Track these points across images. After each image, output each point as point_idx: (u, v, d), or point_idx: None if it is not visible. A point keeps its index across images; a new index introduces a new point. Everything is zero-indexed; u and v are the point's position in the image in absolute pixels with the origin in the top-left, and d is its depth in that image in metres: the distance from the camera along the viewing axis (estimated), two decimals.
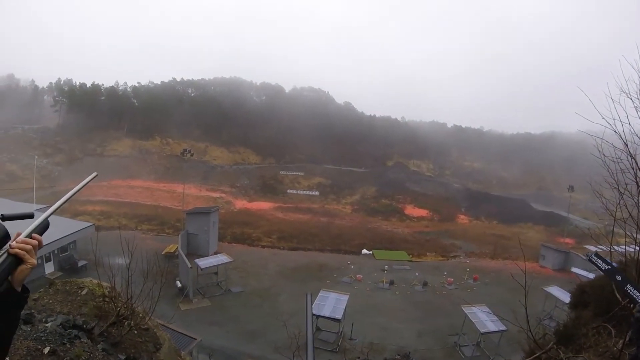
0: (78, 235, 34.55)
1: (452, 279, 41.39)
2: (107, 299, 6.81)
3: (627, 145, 4.77)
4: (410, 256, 52.38)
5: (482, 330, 25.37)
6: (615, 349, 4.92)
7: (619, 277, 1.92)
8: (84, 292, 7.12)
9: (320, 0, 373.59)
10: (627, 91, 4.68)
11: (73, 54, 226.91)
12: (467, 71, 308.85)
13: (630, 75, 4.60)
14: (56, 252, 33.43)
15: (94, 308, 6.51)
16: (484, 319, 25.80)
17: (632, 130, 4.77)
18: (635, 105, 4.62)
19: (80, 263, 33.99)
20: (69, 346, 4.47)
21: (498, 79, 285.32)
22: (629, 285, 1.82)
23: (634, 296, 1.73)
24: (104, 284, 7.18)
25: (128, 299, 6.96)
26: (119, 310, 6.69)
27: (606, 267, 2.07)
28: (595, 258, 2.13)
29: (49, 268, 32.79)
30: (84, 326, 5.59)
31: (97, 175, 2.17)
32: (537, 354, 6.16)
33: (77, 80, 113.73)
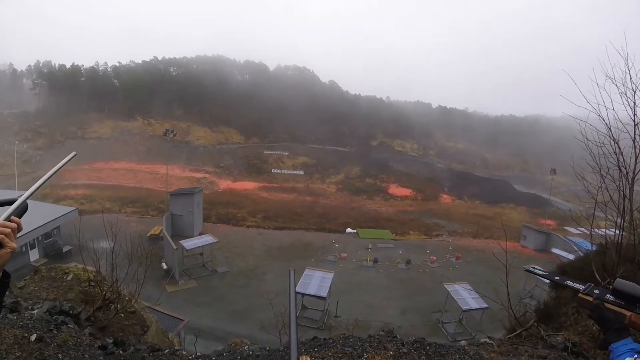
0: (61, 220, 33.98)
1: (435, 258, 42.09)
2: (92, 284, 6.74)
3: (610, 129, 4.85)
4: (394, 235, 53.12)
5: (464, 307, 25.94)
6: (594, 328, 5.11)
7: (557, 278, 2.01)
8: (69, 278, 7.05)
9: None
10: (612, 77, 4.73)
11: (52, 36, 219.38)
12: (454, 54, 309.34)
13: (617, 61, 4.65)
14: (40, 238, 32.75)
15: (80, 293, 6.46)
16: (466, 296, 26.41)
17: (615, 115, 4.84)
18: (620, 91, 4.68)
19: (65, 248, 33.45)
20: (55, 332, 4.43)
21: (484, 62, 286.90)
22: (567, 281, 1.90)
23: (575, 287, 1.81)
24: (89, 268, 7.10)
25: (113, 283, 6.91)
26: (105, 294, 6.64)
27: (544, 273, 2.16)
28: (532, 268, 2.24)
29: (34, 255, 32.22)
30: (71, 312, 5.55)
31: (76, 154, 2.11)
32: (518, 331, 6.33)
33: (57, 62, 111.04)
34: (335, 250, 42.70)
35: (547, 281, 2.30)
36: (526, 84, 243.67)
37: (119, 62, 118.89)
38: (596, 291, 1.74)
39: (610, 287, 1.74)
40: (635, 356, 1.50)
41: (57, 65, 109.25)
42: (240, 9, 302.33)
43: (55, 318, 4.89)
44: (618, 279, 1.68)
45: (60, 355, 4.02)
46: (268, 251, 40.78)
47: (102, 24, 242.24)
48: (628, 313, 1.60)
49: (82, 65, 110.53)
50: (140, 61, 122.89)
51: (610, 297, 1.67)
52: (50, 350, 4.04)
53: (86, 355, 4.15)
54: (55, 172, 1.73)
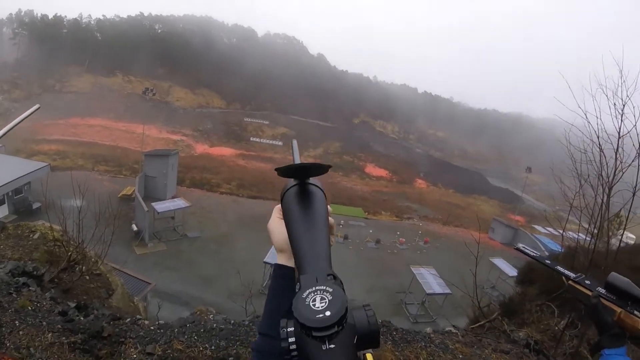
0: (33, 176, 32.51)
1: (404, 240, 42.86)
2: (58, 244, 6.52)
3: (598, 138, 4.89)
4: (366, 214, 53.73)
5: (428, 291, 26.60)
6: (557, 328, 5.27)
7: (547, 261, 1.97)
8: (35, 236, 6.82)
9: None
10: (604, 87, 4.74)
11: None
12: (446, 41, 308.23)
13: (611, 73, 4.65)
14: (10, 194, 31.57)
15: (45, 253, 6.24)
16: (430, 280, 27.10)
17: (602, 125, 4.87)
18: (611, 102, 4.70)
19: (35, 205, 32.18)
20: (15, 296, 4.25)
21: (475, 53, 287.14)
22: (558, 266, 1.87)
23: (566, 274, 1.78)
24: (56, 227, 6.86)
25: (79, 244, 6.70)
26: (70, 255, 6.44)
27: (534, 254, 2.13)
28: (523, 247, 2.19)
29: (3, 211, 31.06)
30: (34, 272, 5.35)
31: (39, 107, 1.97)
32: (482, 322, 6.50)
33: (39, 11, 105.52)
34: None
35: (536, 261, 2.27)
36: (513, 81, 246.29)
37: (103, 16, 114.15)
38: (587, 282, 1.71)
39: (582, 279, 1.71)
40: None
41: (39, 15, 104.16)
42: None
43: (16, 280, 4.70)
44: (613, 273, 1.64)
45: (17, 322, 3.84)
46: (241, 219, 40.57)
47: None
48: (618, 310, 1.57)
49: (65, 17, 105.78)
50: (125, 16, 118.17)
51: (601, 290, 1.64)
52: (7, 317, 3.85)
53: (44, 322, 3.99)
54: (16, 124, 1.60)
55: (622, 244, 9.72)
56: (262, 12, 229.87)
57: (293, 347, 0.79)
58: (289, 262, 1.11)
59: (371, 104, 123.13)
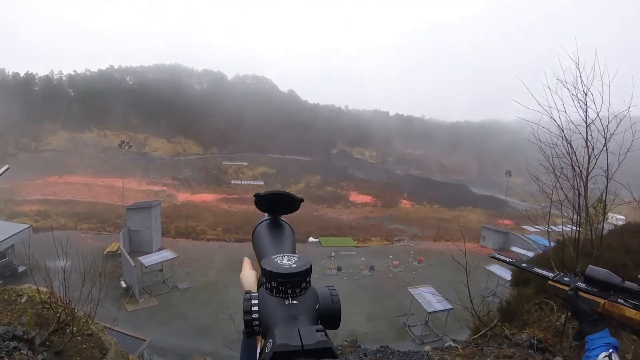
0: (15, 238, 32.02)
1: (398, 262, 42.70)
2: (46, 306, 6.33)
3: (563, 131, 5.03)
4: (356, 242, 53.49)
5: (429, 309, 26.39)
6: (558, 323, 5.26)
7: (524, 265, 2.01)
8: (23, 300, 6.60)
9: None
10: (563, 80, 4.93)
11: (5, 44, 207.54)
12: (410, 64, 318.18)
13: (568, 65, 4.85)
14: None
15: (34, 316, 6.04)
16: (430, 299, 26.90)
17: (567, 117, 5.04)
18: (572, 94, 4.88)
19: (21, 269, 31.16)
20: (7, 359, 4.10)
21: (440, 72, 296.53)
22: (535, 268, 1.90)
23: (544, 274, 1.81)
24: (42, 289, 6.67)
25: (67, 304, 6.51)
26: (59, 316, 6.24)
27: (510, 260, 2.17)
28: (498, 255, 2.24)
29: None
30: (24, 336, 5.16)
31: (8, 168, 1.98)
32: (483, 331, 6.43)
33: (10, 69, 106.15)
34: None
35: (513, 267, 2.31)
36: (478, 89, 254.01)
37: (74, 71, 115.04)
38: (566, 279, 1.73)
39: (561, 276, 1.74)
40: (611, 350, 1.48)
41: (10, 73, 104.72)
42: (197, 18, 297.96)
43: (6, 344, 4.54)
44: (590, 266, 1.67)
45: None
46: (230, 264, 39.73)
47: (58, 32, 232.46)
48: (601, 301, 1.59)
49: (37, 74, 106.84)
50: (96, 70, 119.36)
51: (582, 284, 1.66)
52: None
53: None
54: None
55: (612, 227, 9.93)
56: (229, 56, 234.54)
57: (256, 315, 0.81)
58: None
59: (346, 133, 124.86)
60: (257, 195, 1.19)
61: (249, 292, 0.87)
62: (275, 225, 1.24)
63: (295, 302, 0.82)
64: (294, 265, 0.85)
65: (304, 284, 0.84)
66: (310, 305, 0.83)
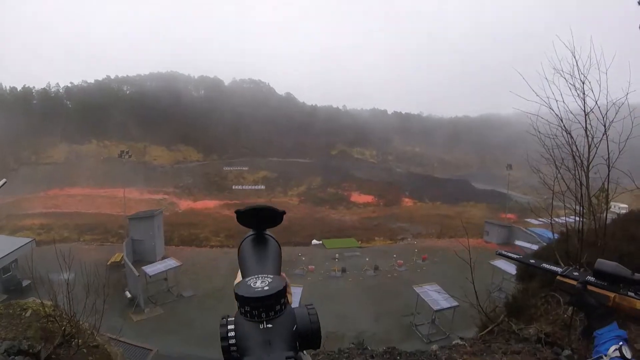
0: (19, 252, 31.83)
1: (402, 261, 42.56)
2: (51, 319, 6.31)
3: (562, 121, 4.97)
4: (360, 242, 53.39)
5: (436, 308, 26.22)
6: (565, 316, 5.18)
7: (532, 261, 1.95)
8: (27, 314, 6.57)
9: None
10: (560, 70, 4.87)
11: (1, 57, 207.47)
12: (407, 61, 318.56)
13: (564, 55, 4.80)
14: None
15: (39, 330, 6.01)
16: (436, 297, 26.78)
17: (566, 107, 4.98)
18: (569, 83, 4.83)
19: (25, 283, 30.98)
20: None
21: (436, 67, 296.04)
22: (543, 264, 1.85)
23: (552, 270, 1.76)
24: (47, 302, 6.65)
25: (72, 317, 6.48)
26: (64, 329, 6.22)
27: (517, 256, 2.11)
28: (505, 252, 2.19)
29: None
30: (30, 350, 5.13)
31: (6, 182, 1.94)
32: (490, 328, 6.36)
33: (7, 84, 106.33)
34: (303, 263, 42.25)
35: (520, 264, 2.26)
36: (475, 84, 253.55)
37: (71, 83, 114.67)
38: (575, 273, 1.68)
39: (580, 267, 1.69)
40: (621, 343, 1.43)
41: (7, 87, 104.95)
42: (191, 23, 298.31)
43: (12, 359, 4.51)
44: (599, 259, 1.62)
45: None
46: (234, 270, 38.26)
47: (54, 44, 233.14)
48: (611, 294, 1.54)
49: (34, 87, 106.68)
50: (93, 81, 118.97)
51: (591, 278, 1.61)
52: None
53: None
54: None
55: (615, 216, 9.86)
56: (224, 61, 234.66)
57: (232, 341, 0.82)
58: None
59: (345, 133, 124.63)
60: (237, 212, 1.21)
61: (225, 317, 0.88)
62: (260, 241, 1.25)
63: (270, 325, 0.81)
64: (266, 288, 0.83)
65: (277, 307, 0.83)
66: (287, 328, 0.83)
